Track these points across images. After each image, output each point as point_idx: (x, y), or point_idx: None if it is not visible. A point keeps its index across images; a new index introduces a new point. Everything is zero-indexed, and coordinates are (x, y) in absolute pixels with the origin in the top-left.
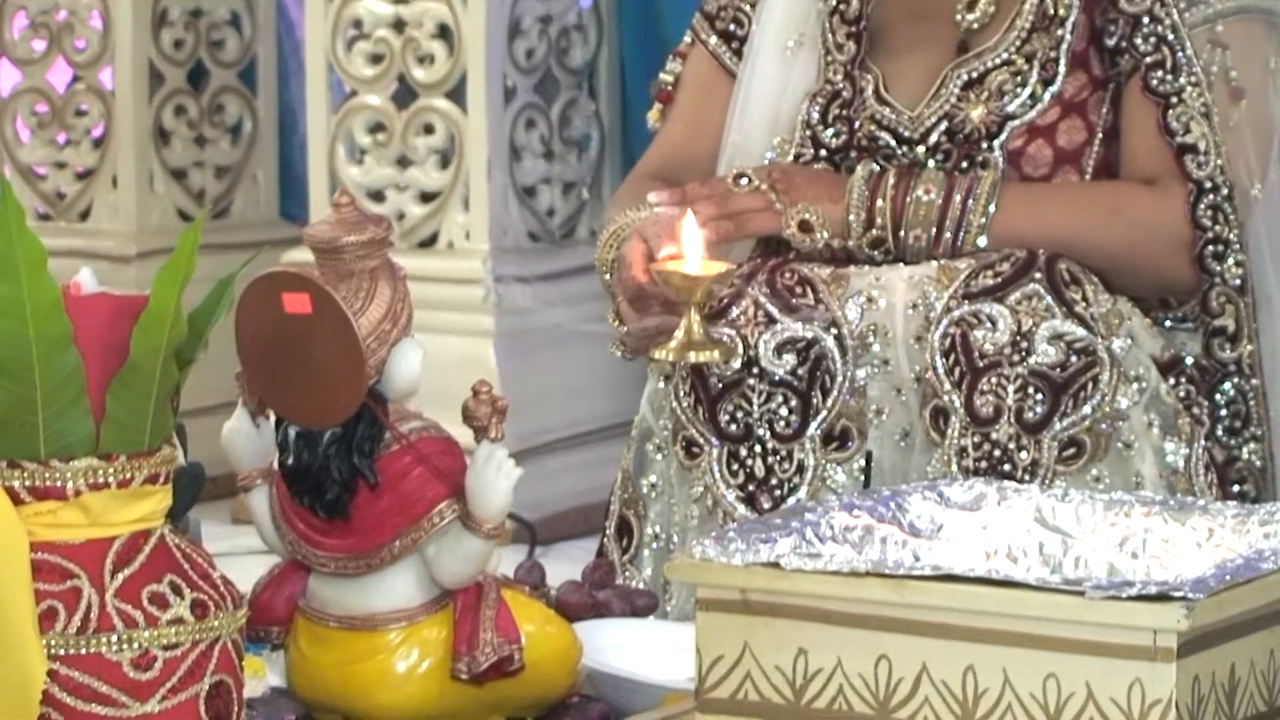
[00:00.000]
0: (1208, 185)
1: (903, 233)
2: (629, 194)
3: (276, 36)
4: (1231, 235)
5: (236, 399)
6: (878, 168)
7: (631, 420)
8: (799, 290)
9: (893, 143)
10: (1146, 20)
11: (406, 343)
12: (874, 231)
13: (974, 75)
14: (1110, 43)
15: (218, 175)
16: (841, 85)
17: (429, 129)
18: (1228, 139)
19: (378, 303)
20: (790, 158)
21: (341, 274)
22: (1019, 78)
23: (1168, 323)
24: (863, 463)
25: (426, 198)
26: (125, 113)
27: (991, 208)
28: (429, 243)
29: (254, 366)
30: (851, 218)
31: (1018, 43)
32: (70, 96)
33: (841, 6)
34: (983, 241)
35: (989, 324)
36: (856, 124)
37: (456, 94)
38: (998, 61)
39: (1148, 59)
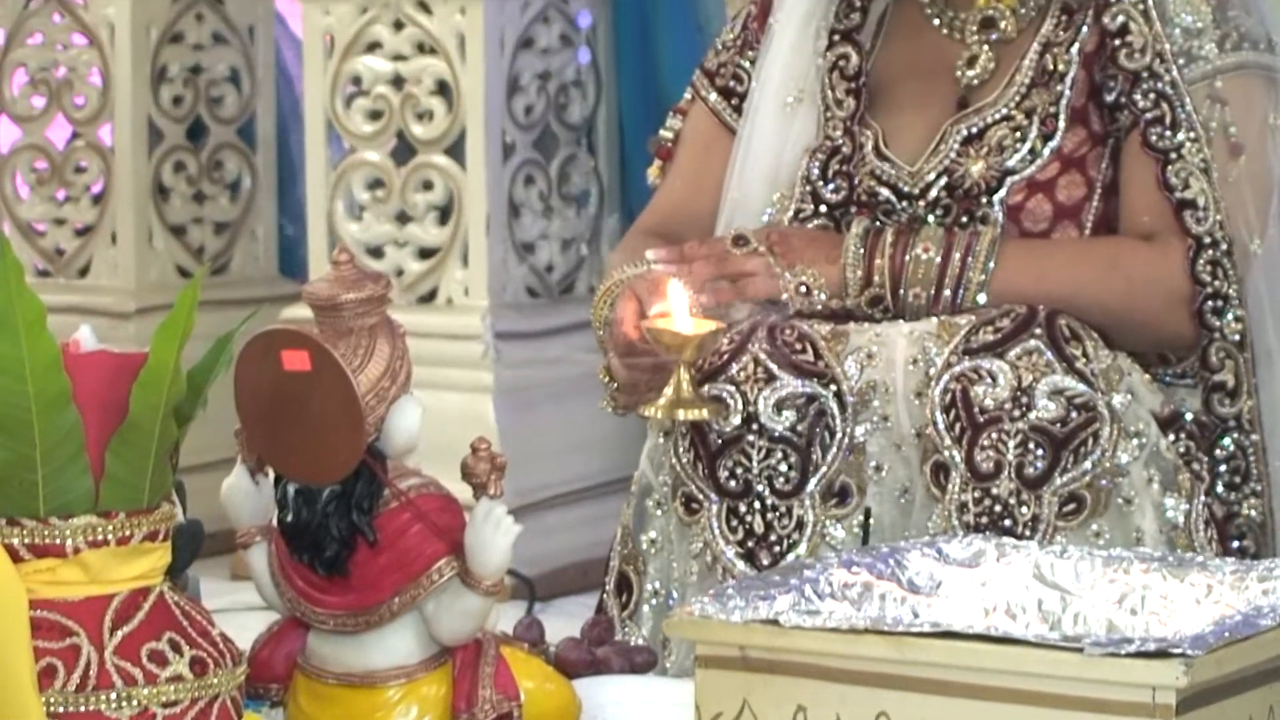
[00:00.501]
0: (1207, 240)
1: (902, 290)
2: (628, 250)
3: (276, 93)
4: (1231, 290)
5: (235, 455)
6: (872, 225)
7: (631, 476)
8: (799, 347)
9: (893, 198)
10: (1146, 76)
11: (405, 400)
12: (872, 290)
13: (974, 130)
14: (1110, 99)
15: (217, 231)
16: (841, 141)
17: (428, 185)
18: (1227, 194)
19: (376, 360)
20: (790, 213)
21: (340, 331)
22: (1019, 133)
23: (1167, 379)
24: (861, 519)
25: (425, 254)
26: (124, 169)
27: (991, 264)
28: (428, 299)
29: (253, 423)
30: (849, 276)
31: (1017, 98)
32: (69, 153)
33: (841, 63)
34: (982, 298)
35: (989, 379)
36: (856, 179)
37: (455, 150)
38: (997, 117)
39: (1147, 115)
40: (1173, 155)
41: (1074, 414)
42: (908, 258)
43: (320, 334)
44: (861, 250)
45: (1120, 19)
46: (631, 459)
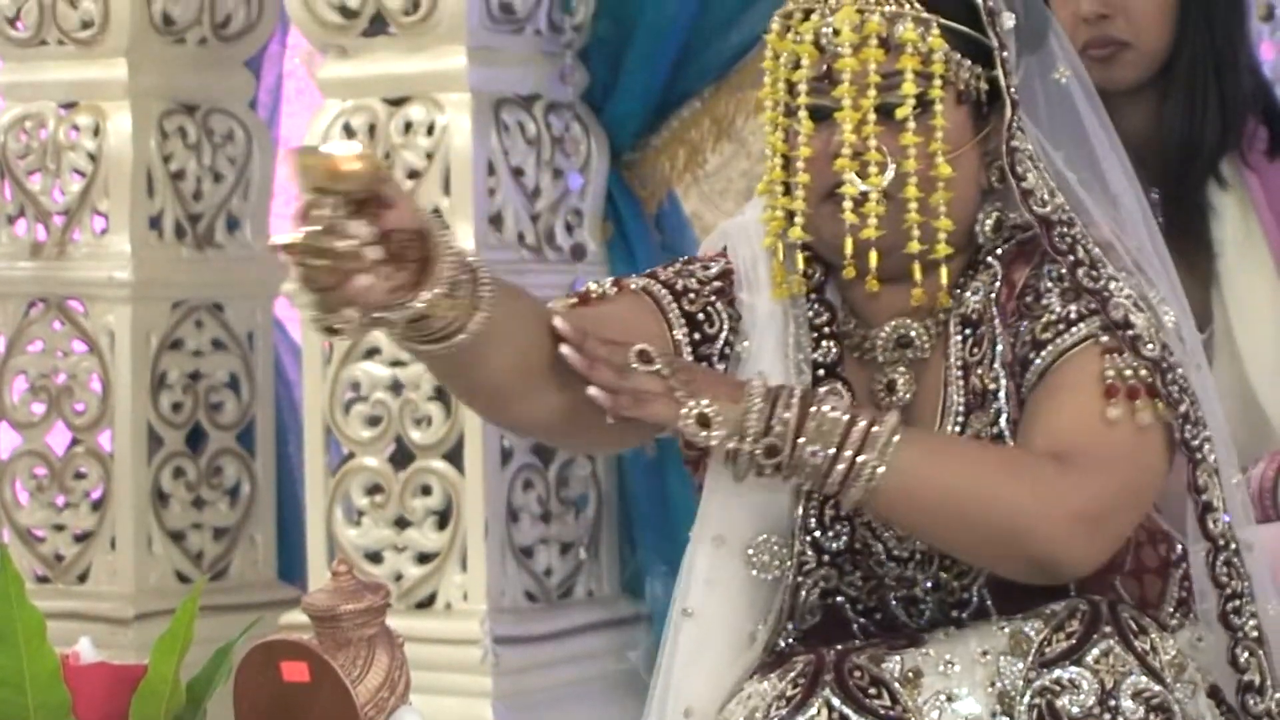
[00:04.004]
0: (1221, 542)
1: (802, 440)
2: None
3: (275, 398)
4: (1244, 587)
5: None
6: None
7: None
8: (872, 691)
9: (882, 552)
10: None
11: (404, 710)
12: (770, 439)
13: None
14: (1025, 394)
15: (216, 537)
16: None
17: (426, 490)
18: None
19: (375, 670)
20: (795, 564)
21: (340, 642)
22: None
23: None
24: None
25: (424, 559)
26: (124, 475)
27: (896, 438)
28: (427, 604)
29: None
30: (751, 417)
31: (959, 428)
32: (69, 459)
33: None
34: (880, 470)
35: (1073, 688)
36: (856, 525)
37: (454, 455)
38: None
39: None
40: (1198, 455)
41: (1152, 716)
42: (813, 410)
43: (319, 644)
44: (767, 396)
45: (1122, 314)
46: None
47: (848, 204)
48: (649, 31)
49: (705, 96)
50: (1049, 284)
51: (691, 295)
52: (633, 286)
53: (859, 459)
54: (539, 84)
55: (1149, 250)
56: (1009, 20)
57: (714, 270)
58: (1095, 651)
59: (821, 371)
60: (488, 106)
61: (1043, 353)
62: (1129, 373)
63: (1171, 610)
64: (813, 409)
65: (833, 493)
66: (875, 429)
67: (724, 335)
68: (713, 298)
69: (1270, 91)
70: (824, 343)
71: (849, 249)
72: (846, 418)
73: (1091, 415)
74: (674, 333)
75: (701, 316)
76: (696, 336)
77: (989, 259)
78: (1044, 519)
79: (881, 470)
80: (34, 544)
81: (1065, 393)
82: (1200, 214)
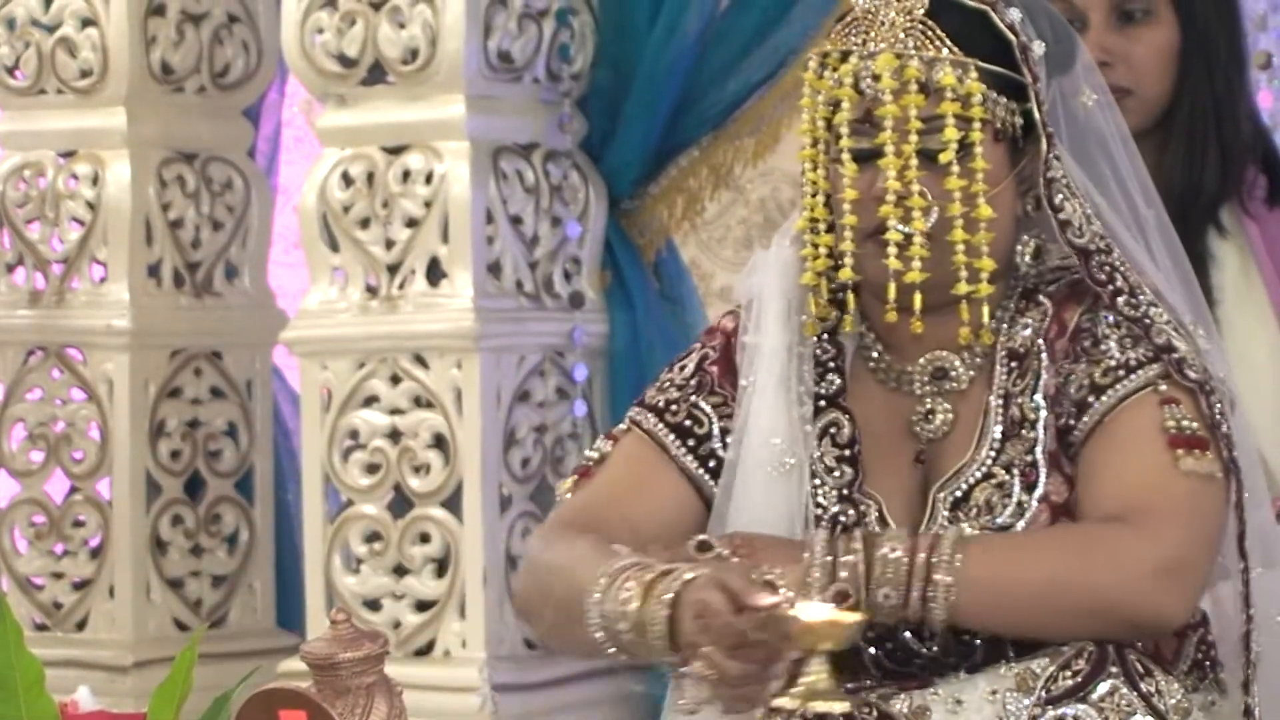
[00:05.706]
0: (1250, 561)
1: (872, 589)
2: (553, 540)
3: (274, 446)
4: (1252, 613)
5: None
6: (838, 531)
7: None
8: None
9: None
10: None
11: None
12: (836, 589)
13: (959, 494)
14: (1062, 422)
15: (214, 585)
16: (838, 509)
17: (425, 538)
18: None
19: (374, 719)
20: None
21: (338, 690)
22: (1003, 489)
23: None
24: None
25: (423, 606)
26: (122, 523)
27: (960, 556)
28: (425, 651)
29: None
30: (814, 576)
31: (994, 454)
32: (68, 507)
33: (832, 430)
34: (957, 590)
35: None
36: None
37: (452, 503)
38: (979, 476)
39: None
40: (1239, 475)
41: None
42: (876, 556)
43: (318, 693)
44: (827, 553)
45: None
46: None
47: (892, 249)
48: (647, 80)
49: (703, 145)
50: (1107, 329)
51: (674, 407)
52: (623, 427)
53: (929, 590)
54: (537, 133)
55: (1169, 271)
56: (1039, 48)
57: (689, 368)
58: (1101, 689)
59: (823, 402)
60: (486, 155)
61: (1102, 397)
62: (1186, 423)
63: (1186, 670)
64: (875, 555)
65: (915, 619)
66: (937, 556)
67: (715, 426)
68: (692, 396)
69: (1269, 139)
70: (828, 376)
71: (893, 294)
72: (906, 557)
73: (1158, 467)
74: (670, 451)
75: (689, 422)
76: (691, 443)
77: (1040, 297)
78: (1130, 585)
79: (957, 590)
80: (32, 592)
81: (1130, 445)
82: (1200, 262)
